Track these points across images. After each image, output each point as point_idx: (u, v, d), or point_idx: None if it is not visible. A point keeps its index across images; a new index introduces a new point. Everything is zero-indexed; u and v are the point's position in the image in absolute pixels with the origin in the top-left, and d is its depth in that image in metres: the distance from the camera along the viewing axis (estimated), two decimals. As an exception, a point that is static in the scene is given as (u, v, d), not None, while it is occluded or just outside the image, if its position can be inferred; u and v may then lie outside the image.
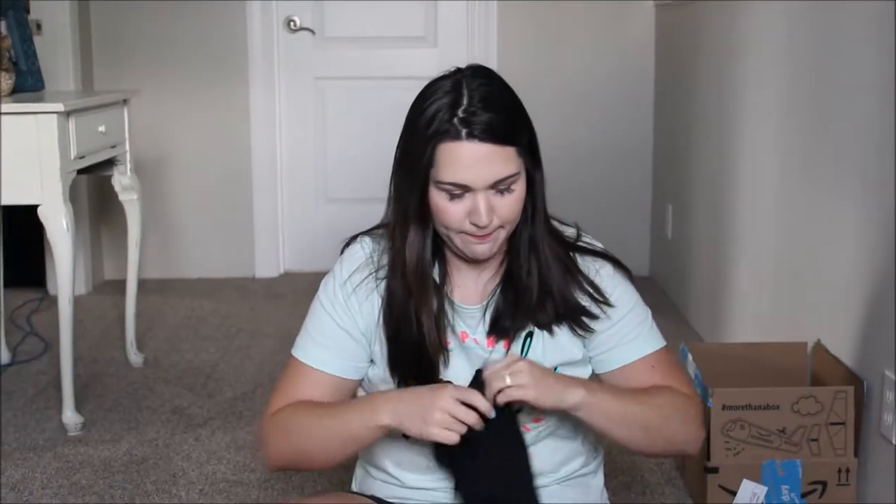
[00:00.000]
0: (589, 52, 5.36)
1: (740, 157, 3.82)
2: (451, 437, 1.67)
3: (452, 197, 1.75)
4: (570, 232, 1.93)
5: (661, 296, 4.91)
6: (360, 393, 1.98)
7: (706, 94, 4.34)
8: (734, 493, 2.68)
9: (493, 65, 5.30)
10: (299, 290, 5.19)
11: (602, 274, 1.89)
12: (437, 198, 1.76)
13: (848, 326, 2.77)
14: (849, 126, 2.79)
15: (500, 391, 1.69)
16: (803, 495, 2.69)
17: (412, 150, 1.77)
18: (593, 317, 1.87)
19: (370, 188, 5.38)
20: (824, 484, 2.68)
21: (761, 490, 2.68)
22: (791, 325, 3.23)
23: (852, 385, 2.66)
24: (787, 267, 3.31)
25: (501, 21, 5.36)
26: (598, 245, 1.93)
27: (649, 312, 1.93)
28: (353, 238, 1.97)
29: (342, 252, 1.96)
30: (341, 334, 1.88)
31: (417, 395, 1.72)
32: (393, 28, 5.44)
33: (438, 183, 1.74)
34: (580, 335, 1.88)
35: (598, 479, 2.05)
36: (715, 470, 2.66)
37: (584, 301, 1.86)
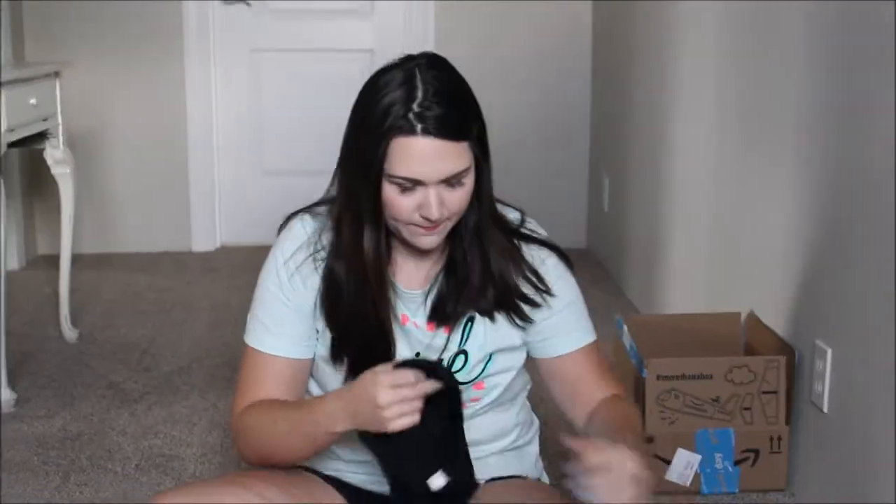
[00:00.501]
0: (527, 26, 5.36)
1: (676, 131, 3.85)
2: (413, 420, 1.66)
3: (404, 190, 1.73)
4: (513, 216, 1.93)
5: (597, 268, 4.94)
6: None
7: (643, 67, 4.36)
8: (669, 462, 2.71)
9: (430, 39, 5.31)
10: (236, 263, 5.16)
11: (547, 264, 1.90)
12: (389, 191, 1.75)
13: (780, 297, 2.81)
14: (783, 100, 2.82)
15: None
16: (736, 463, 2.72)
17: (364, 143, 1.76)
18: (534, 304, 1.88)
19: (307, 161, 5.37)
20: (757, 452, 2.72)
21: (695, 458, 2.71)
22: (725, 295, 3.26)
23: (784, 354, 2.70)
24: (721, 239, 3.34)
25: (439, -7, 5.35)
26: (542, 233, 1.94)
27: (585, 306, 1.95)
28: (293, 215, 1.95)
29: (280, 229, 1.95)
30: (291, 316, 1.88)
31: (358, 401, 1.69)
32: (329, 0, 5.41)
33: (390, 177, 1.73)
34: (518, 324, 1.89)
35: (534, 447, 2.07)
36: (650, 439, 2.69)
37: (526, 289, 1.87)
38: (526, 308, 1.88)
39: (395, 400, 1.65)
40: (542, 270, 1.89)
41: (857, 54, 2.38)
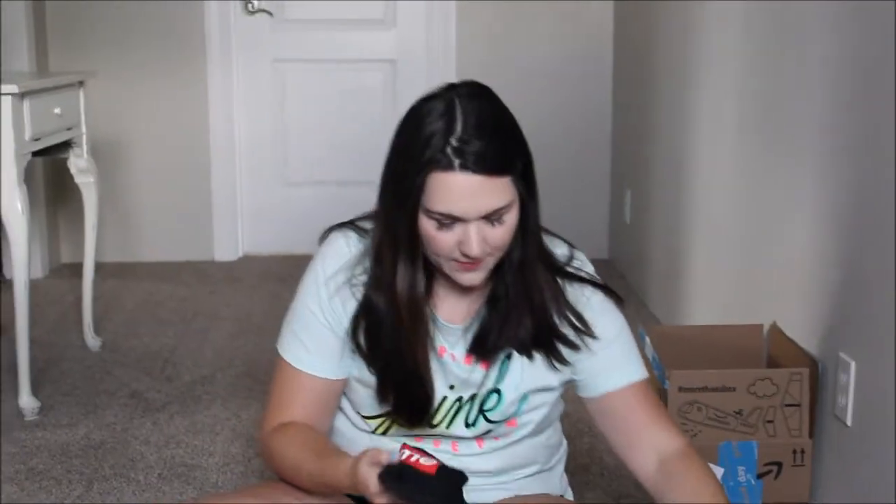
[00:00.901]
0: (548, 37, 5.36)
1: (697, 144, 3.84)
2: None
3: (442, 226, 1.69)
4: (560, 251, 1.88)
5: (619, 280, 4.93)
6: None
7: (665, 80, 4.36)
8: (691, 475, 2.69)
9: (451, 50, 5.32)
10: (258, 273, 5.18)
11: (591, 302, 1.86)
12: (427, 225, 1.70)
13: (803, 309, 2.79)
14: (806, 113, 2.81)
15: None
16: (759, 476, 2.71)
17: (402, 175, 1.70)
18: (573, 346, 1.84)
19: (329, 171, 5.39)
20: (780, 465, 2.71)
21: (718, 471, 2.70)
22: (747, 307, 3.25)
23: (807, 367, 2.68)
24: (743, 251, 3.33)
25: (461, 5, 5.35)
26: (590, 268, 1.89)
27: (634, 343, 1.91)
28: (336, 228, 1.90)
29: (322, 240, 1.90)
30: (329, 335, 1.85)
31: (357, 481, 1.64)
32: (351, 10, 5.42)
33: (428, 211, 1.68)
34: (555, 367, 1.85)
35: (561, 467, 2.06)
36: (672, 451, 2.68)
37: (566, 330, 1.83)
38: (564, 350, 1.84)
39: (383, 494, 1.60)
40: (584, 309, 1.85)
41: (881, 60, 2.37)
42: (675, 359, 2.87)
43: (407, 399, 1.83)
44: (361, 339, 1.83)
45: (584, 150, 5.44)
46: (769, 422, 2.69)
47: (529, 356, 1.84)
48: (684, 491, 1.81)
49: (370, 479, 1.60)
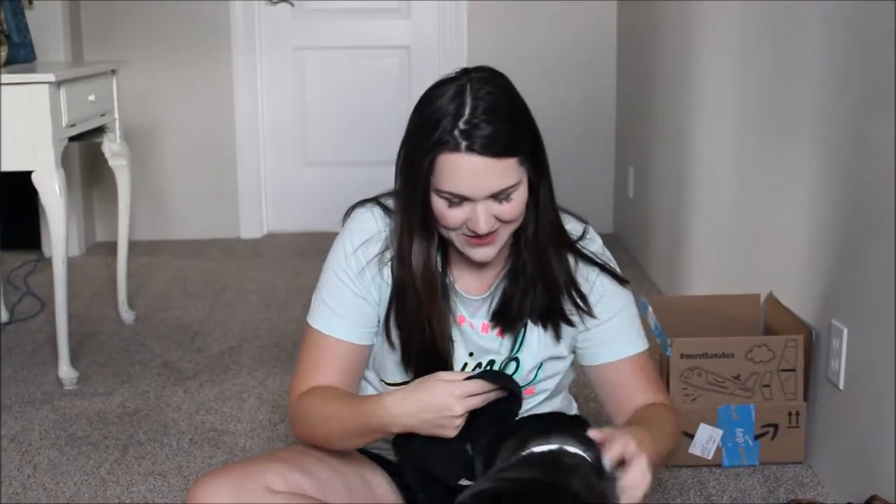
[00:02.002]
0: (556, 24, 5.34)
1: (698, 122, 3.83)
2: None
3: (451, 204, 1.70)
4: (572, 226, 1.88)
5: (623, 253, 4.92)
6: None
7: (665, 62, 4.34)
8: (692, 437, 2.70)
9: (463, 36, 5.30)
10: (282, 249, 5.19)
11: (598, 282, 1.86)
12: (438, 203, 1.71)
13: (798, 279, 2.79)
14: (801, 90, 2.80)
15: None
16: (756, 437, 2.71)
17: (414, 155, 1.71)
18: (571, 324, 1.85)
19: (347, 152, 5.39)
20: (776, 426, 2.71)
21: (717, 433, 2.70)
22: (745, 278, 3.24)
23: (802, 334, 2.68)
24: (741, 224, 3.32)
25: (471, -7, 5.34)
26: (598, 244, 1.89)
27: (638, 315, 1.92)
28: (361, 204, 1.90)
29: (348, 215, 1.89)
30: (357, 302, 1.84)
31: (425, 403, 1.68)
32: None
33: (438, 190, 1.69)
34: (554, 338, 1.86)
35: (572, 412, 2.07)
36: (674, 415, 2.68)
37: (567, 307, 1.84)
38: (563, 326, 1.85)
39: (468, 410, 1.66)
40: (590, 289, 1.85)
41: (877, 39, 2.36)
42: (676, 327, 2.87)
43: (427, 367, 1.82)
44: (392, 314, 1.84)
45: (590, 130, 5.42)
46: (766, 386, 2.69)
47: (544, 327, 1.85)
48: (636, 414, 1.85)
49: (451, 376, 1.68)
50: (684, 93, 3.99)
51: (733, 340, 2.71)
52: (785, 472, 2.69)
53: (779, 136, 2.98)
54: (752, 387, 2.70)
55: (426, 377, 1.73)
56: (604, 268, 1.87)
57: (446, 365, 1.83)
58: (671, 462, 1.85)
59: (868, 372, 2.40)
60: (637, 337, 1.90)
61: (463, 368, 1.87)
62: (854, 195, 2.46)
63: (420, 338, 1.82)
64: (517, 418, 1.77)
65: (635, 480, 1.55)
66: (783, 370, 2.68)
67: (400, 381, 1.90)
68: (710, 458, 2.71)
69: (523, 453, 1.59)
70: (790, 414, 2.70)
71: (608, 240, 5.40)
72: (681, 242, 4.03)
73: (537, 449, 1.59)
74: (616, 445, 1.58)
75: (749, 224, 3.24)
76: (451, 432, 1.67)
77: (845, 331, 2.49)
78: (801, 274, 2.77)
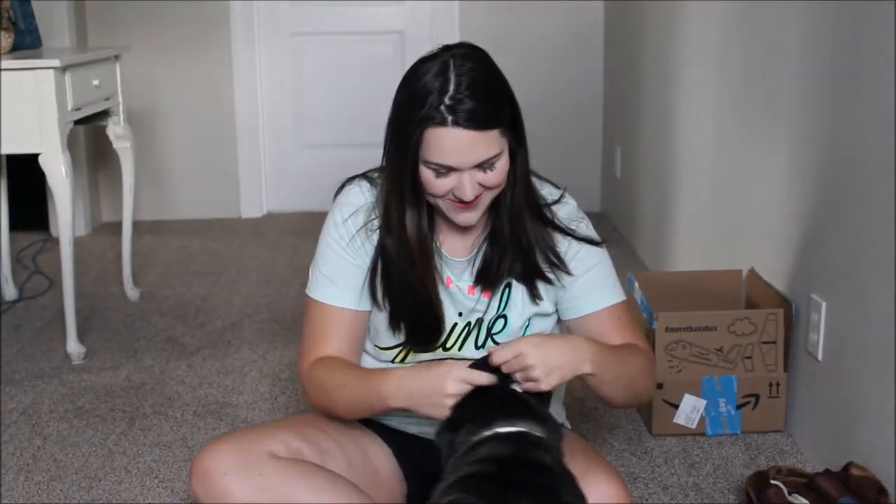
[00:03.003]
0: (546, 9, 5.31)
1: (682, 104, 3.83)
2: None
3: (439, 174, 1.74)
4: (548, 192, 1.91)
5: (611, 230, 4.92)
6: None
7: (652, 43, 4.33)
8: (677, 407, 2.71)
9: (455, 21, 5.28)
10: (281, 228, 5.18)
11: (571, 240, 1.90)
12: (425, 173, 1.75)
13: (779, 255, 2.80)
14: (781, 72, 2.80)
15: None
16: (738, 407, 2.72)
17: (403, 130, 1.75)
18: (548, 282, 1.88)
19: (343, 135, 5.38)
20: (757, 396, 2.72)
21: (701, 403, 2.71)
22: (728, 254, 3.25)
23: (782, 307, 2.69)
24: (723, 201, 3.33)
25: (463, -21, 5.32)
26: (572, 206, 1.93)
27: (613, 270, 1.95)
28: (350, 179, 1.94)
29: (338, 193, 1.93)
30: (351, 269, 1.88)
31: (423, 382, 1.71)
32: (363, -14, 5.39)
33: (426, 162, 1.73)
34: (534, 297, 1.89)
35: (560, 393, 2.08)
36: (660, 386, 2.69)
37: (545, 266, 1.87)
38: (541, 285, 1.88)
39: (461, 393, 1.67)
40: (564, 247, 1.89)
41: (856, 15, 2.36)
42: (661, 302, 2.87)
43: (420, 326, 1.87)
44: (378, 278, 1.87)
45: (578, 111, 5.41)
46: (747, 358, 2.70)
47: (528, 285, 1.89)
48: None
49: (458, 364, 1.70)
50: (670, 74, 3.98)
51: (716, 314, 2.72)
52: (766, 440, 2.70)
53: (760, 118, 2.98)
54: (735, 358, 2.70)
55: (439, 362, 1.77)
56: (572, 234, 1.89)
57: (438, 324, 1.87)
58: (636, 394, 1.88)
59: (845, 344, 2.40)
60: (612, 289, 1.93)
61: (452, 328, 1.90)
62: (832, 174, 2.46)
63: (412, 300, 1.85)
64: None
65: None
66: (764, 342, 2.69)
67: (392, 345, 1.92)
68: (693, 427, 2.72)
69: (488, 433, 1.59)
70: (771, 385, 2.71)
71: (596, 218, 5.41)
72: (666, 220, 4.03)
73: (503, 430, 1.60)
74: (503, 350, 1.67)
75: (731, 202, 3.24)
76: (443, 412, 1.68)
77: (824, 305, 2.49)
78: (782, 250, 2.77)
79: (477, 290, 1.89)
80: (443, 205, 1.80)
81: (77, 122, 3.50)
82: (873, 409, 2.24)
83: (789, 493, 2.14)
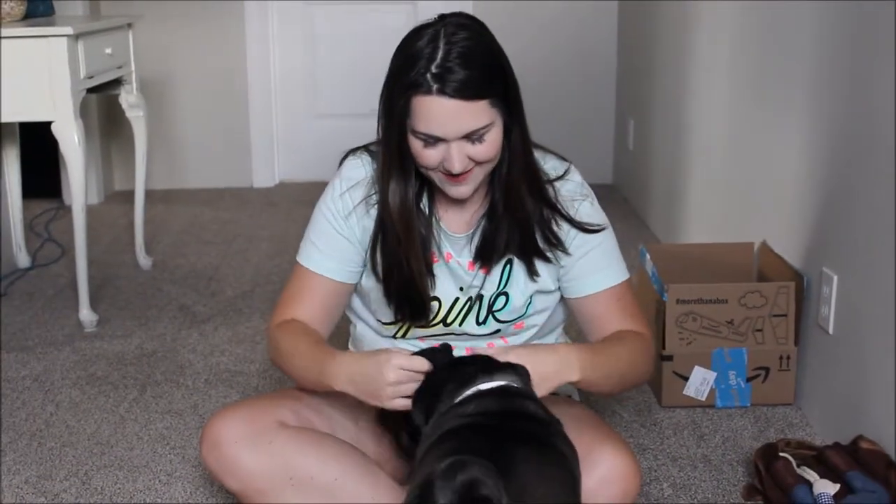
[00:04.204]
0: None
1: (696, 75, 3.81)
2: (405, 405, 1.65)
3: (427, 144, 1.72)
4: (552, 164, 1.88)
5: (623, 203, 4.92)
6: (355, 300, 1.99)
7: (666, 15, 4.31)
8: (687, 379, 2.71)
9: (468, -10, 5.25)
10: (293, 198, 5.19)
11: (576, 214, 1.87)
12: (415, 143, 1.73)
13: (790, 228, 2.79)
14: (795, 44, 2.78)
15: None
16: (748, 380, 2.72)
17: (391, 97, 1.74)
18: (547, 260, 1.87)
19: (355, 104, 5.37)
20: (767, 369, 2.72)
21: (711, 375, 2.71)
22: (739, 227, 3.24)
23: (793, 281, 2.68)
24: (736, 174, 3.32)
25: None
26: (577, 181, 1.89)
27: (616, 248, 1.92)
28: (352, 151, 1.93)
29: (341, 163, 1.93)
30: (341, 242, 1.88)
31: (364, 369, 1.69)
32: (376, -44, 5.36)
33: (414, 131, 1.71)
34: (531, 274, 1.88)
35: None
36: (670, 358, 2.69)
37: (543, 244, 1.86)
38: (538, 263, 1.87)
39: (400, 380, 1.64)
40: (564, 228, 1.87)
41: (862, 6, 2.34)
42: (672, 274, 2.87)
43: (406, 303, 1.86)
44: (378, 252, 1.86)
45: (591, 83, 5.39)
46: (758, 330, 2.70)
47: (525, 262, 1.87)
48: (604, 338, 1.88)
49: (397, 351, 1.68)
50: (683, 46, 3.96)
51: (727, 287, 2.71)
52: (775, 413, 2.71)
53: (774, 91, 2.96)
54: (745, 331, 2.70)
55: (378, 350, 1.75)
56: (571, 221, 1.86)
57: (423, 301, 1.86)
58: (629, 384, 1.89)
59: (856, 318, 2.40)
60: (614, 269, 1.91)
61: (454, 303, 1.90)
62: (845, 147, 2.45)
63: (399, 275, 1.84)
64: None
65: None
66: (775, 315, 2.69)
67: (391, 321, 1.92)
68: (703, 399, 2.72)
69: (470, 391, 1.59)
70: (781, 357, 2.71)
71: (608, 190, 5.40)
72: (678, 193, 4.02)
73: (484, 386, 1.59)
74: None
75: (744, 175, 3.23)
76: (384, 402, 1.66)
77: (835, 278, 2.49)
78: (794, 223, 2.76)
79: (476, 266, 1.88)
80: (435, 177, 1.78)
81: (90, 91, 3.50)
82: (883, 382, 2.24)
83: (798, 466, 2.14)
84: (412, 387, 1.65)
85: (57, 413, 2.76)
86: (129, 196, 4.43)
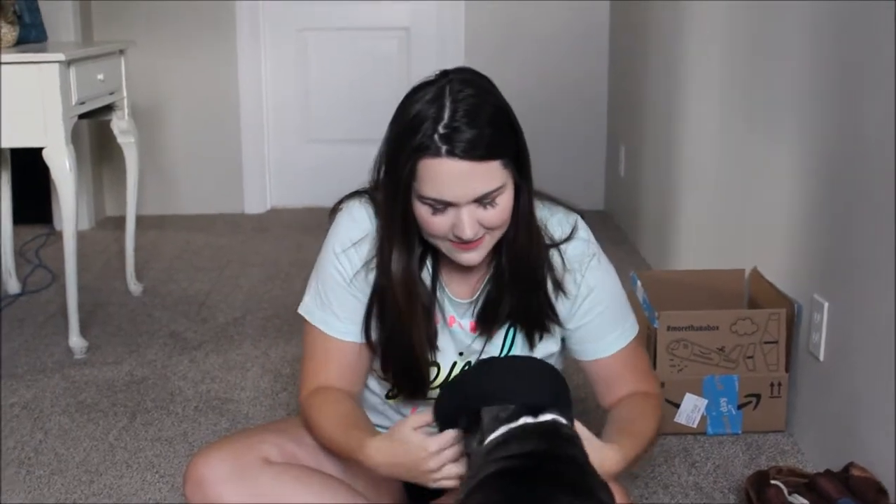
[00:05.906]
0: (551, 7, 5.30)
1: (686, 104, 3.82)
2: (454, 483, 1.59)
3: (435, 211, 1.62)
4: (563, 229, 1.80)
5: (614, 229, 4.92)
6: None
7: (657, 42, 4.33)
8: (678, 406, 2.71)
9: (460, 18, 5.27)
10: (284, 224, 5.18)
11: (581, 285, 1.81)
12: (421, 210, 1.63)
13: (781, 255, 2.80)
14: (784, 72, 2.80)
15: None
16: (739, 406, 2.73)
17: (395, 161, 1.63)
18: (547, 331, 1.82)
19: (348, 130, 5.39)
20: (758, 396, 2.72)
21: (702, 402, 2.71)
22: (731, 253, 3.25)
23: (784, 307, 2.69)
24: (727, 201, 3.33)
25: (469, -24, 5.31)
26: (581, 251, 1.81)
27: (623, 302, 1.87)
28: (350, 197, 1.82)
29: (341, 205, 1.82)
30: (355, 303, 1.80)
31: (402, 462, 1.61)
32: (369, -17, 5.39)
33: (421, 197, 1.61)
34: (531, 345, 1.83)
35: None
36: (661, 385, 2.69)
37: (545, 319, 1.81)
38: (535, 334, 1.82)
39: (442, 463, 1.58)
40: (566, 304, 1.81)
41: (858, 15, 2.36)
42: (664, 300, 2.87)
43: (405, 375, 1.80)
44: (373, 319, 1.80)
45: (583, 110, 5.40)
46: (749, 357, 2.70)
47: (526, 331, 1.83)
48: (618, 409, 1.83)
49: (420, 429, 1.60)
50: (674, 74, 3.98)
51: (718, 313, 2.72)
52: (766, 440, 2.71)
53: (764, 119, 2.98)
54: (736, 358, 2.70)
55: (398, 424, 1.65)
56: (573, 299, 1.80)
57: (422, 373, 1.80)
58: (650, 449, 1.85)
59: (847, 345, 2.40)
60: (621, 330, 1.86)
61: (452, 367, 1.85)
62: (836, 175, 2.46)
63: (398, 345, 1.78)
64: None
65: None
66: (766, 342, 2.69)
67: (386, 392, 1.90)
68: (694, 426, 2.72)
69: (514, 425, 1.49)
70: (772, 384, 2.71)
71: (599, 217, 5.40)
72: (669, 219, 4.03)
73: (531, 421, 1.50)
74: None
75: (735, 202, 3.24)
76: (433, 483, 1.61)
77: (826, 305, 2.49)
78: (785, 250, 2.77)
79: (479, 329, 1.83)
80: (443, 246, 1.69)
81: (81, 117, 3.50)
82: (874, 409, 2.24)
83: (789, 493, 2.14)
84: (457, 466, 1.58)
85: (46, 440, 2.75)
86: (120, 222, 4.43)
